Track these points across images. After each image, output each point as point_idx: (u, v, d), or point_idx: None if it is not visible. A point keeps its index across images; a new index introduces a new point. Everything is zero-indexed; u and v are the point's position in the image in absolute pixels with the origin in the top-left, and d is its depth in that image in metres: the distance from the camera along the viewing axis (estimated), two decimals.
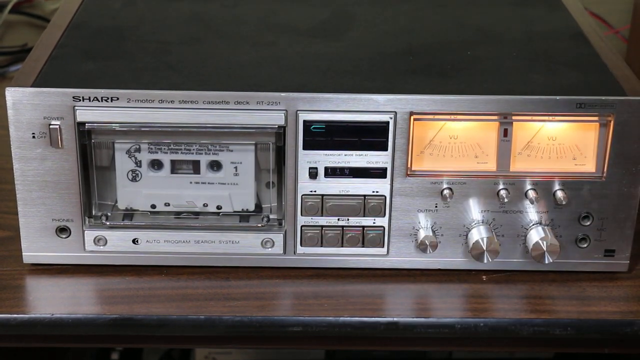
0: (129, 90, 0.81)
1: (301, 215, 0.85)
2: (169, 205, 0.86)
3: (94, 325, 0.82)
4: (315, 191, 0.84)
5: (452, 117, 0.82)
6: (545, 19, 0.98)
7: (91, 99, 0.81)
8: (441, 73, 0.86)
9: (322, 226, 0.85)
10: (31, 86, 0.81)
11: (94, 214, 0.86)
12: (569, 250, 0.86)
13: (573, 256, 0.87)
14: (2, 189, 0.96)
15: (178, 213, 0.86)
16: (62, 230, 0.85)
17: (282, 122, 0.82)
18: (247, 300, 0.84)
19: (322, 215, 0.85)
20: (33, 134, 0.81)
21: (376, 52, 0.90)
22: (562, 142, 0.84)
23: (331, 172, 0.84)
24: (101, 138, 0.83)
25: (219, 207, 0.86)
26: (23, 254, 0.86)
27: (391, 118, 0.82)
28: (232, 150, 0.84)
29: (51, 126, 0.81)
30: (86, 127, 0.82)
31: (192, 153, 0.84)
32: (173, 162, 0.85)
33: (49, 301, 0.84)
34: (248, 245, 0.86)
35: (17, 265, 0.87)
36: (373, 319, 0.82)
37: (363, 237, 0.86)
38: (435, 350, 1.40)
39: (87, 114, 0.81)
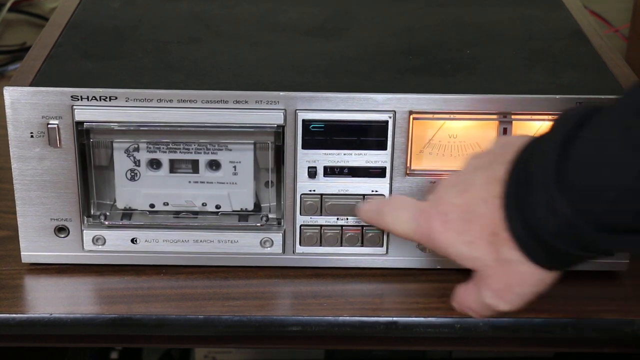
0: (128, 90, 0.81)
1: (300, 214, 0.85)
2: (167, 204, 0.86)
3: (93, 325, 0.82)
4: (314, 190, 0.84)
5: (452, 116, 0.82)
6: (545, 17, 0.98)
7: (89, 99, 0.80)
8: (440, 72, 0.86)
9: (321, 225, 0.85)
10: (29, 85, 0.81)
11: (92, 213, 0.85)
12: None
13: None
14: (0, 188, 0.96)
15: (177, 212, 0.86)
16: (61, 230, 0.85)
17: (281, 122, 0.81)
18: (246, 300, 0.83)
19: (321, 215, 0.85)
20: (31, 133, 0.81)
21: (375, 51, 0.89)
22: None
23: (330, 171, 0.84)
24: (100, 137, 0.83)
25: (217, 207, 0.86)
26: (21, 253, 0.86)
27: (390, 117, 0.82)
28: (231, 150, 0.84)
29: (49, 125, 0.81)
30: (84, 126, 0.81)
31: (191, 152, 0.84)
32: (172, 161, 0.84)
33: (48, 301, 0.84)
34: (247, 245, 0.86)
35: (16, 264, 0.86)
36: (372, 318, 0.82)
37: (362, 237, 0.86)
38: (435, 350, 1.40)
39: (86, 114, 0.81)
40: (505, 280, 0.71)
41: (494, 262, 0.71)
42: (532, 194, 0.67)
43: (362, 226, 0.85)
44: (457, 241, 0.72)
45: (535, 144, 0.70)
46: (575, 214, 0.65)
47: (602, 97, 0.81)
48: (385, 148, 0.83)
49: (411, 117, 0.82)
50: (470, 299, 0.75)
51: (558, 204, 0.66)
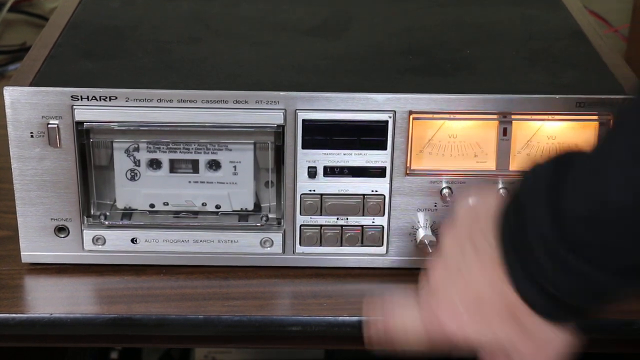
0: (128, 90, 0.81)
1: (300, 214, 0.85)
2: (167, 204, 0.86)
3: (93, 324, 0.82)
4: (314, 190, 0.84)
5: (451, 116, 0.82)
6: (545, 17, 0.98)
7: (89, 98, 0.80)
8: (440, 72, 0.86)
9: (321, 225, 0.85)
10: (29, 85, 0.81)
11: (92, 213, 0.85)
12: None
13: None
14: (0, 188, 0.96)
15: (177, 212, 0.86)
16: (61, 230, 0.85)
17: (281, 121, 0.81)
18: (246, 300, 0.83)
19: (321, 215, 0.85)
20: (31, 133, 0.81)
21: (375, 51, 0.89)
22: (562, 141, 0.84)
23: (330, 171, 0.84)
24: (100, 137, 0.83)
25: (217, 207, 0.86)
26: (21, 253, 0.86)
27: (390, 117, 0.82)
28: (231, 150, 0.84)
29: (49, 125, 0.81)
30: (84, 126, 0.81)
31: (191, 152, 0.84)
32: (172, 161, 0.84)
33: (48, 301, 0.84)
34: (247, 245, 0.86)
35: (16, 264, 0.86)
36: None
37: (362, 237, 0.86)
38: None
39: (86, 113, 0.81)
40: (535, 348, 0.70)
41: (518, 336, 0.70)
42: (542, 266, 0.65)
43: (362, 226, 0.85)
44: (476, 331, 0.70)
45: (512, 212, 0.67)
46: (593, 269, 0.64)
47: (602, 96, 0.81)
48: (385, 148, 0.83)
49: (411, 117, 0.82)
50: None
51: (573, 264, 0.64)
